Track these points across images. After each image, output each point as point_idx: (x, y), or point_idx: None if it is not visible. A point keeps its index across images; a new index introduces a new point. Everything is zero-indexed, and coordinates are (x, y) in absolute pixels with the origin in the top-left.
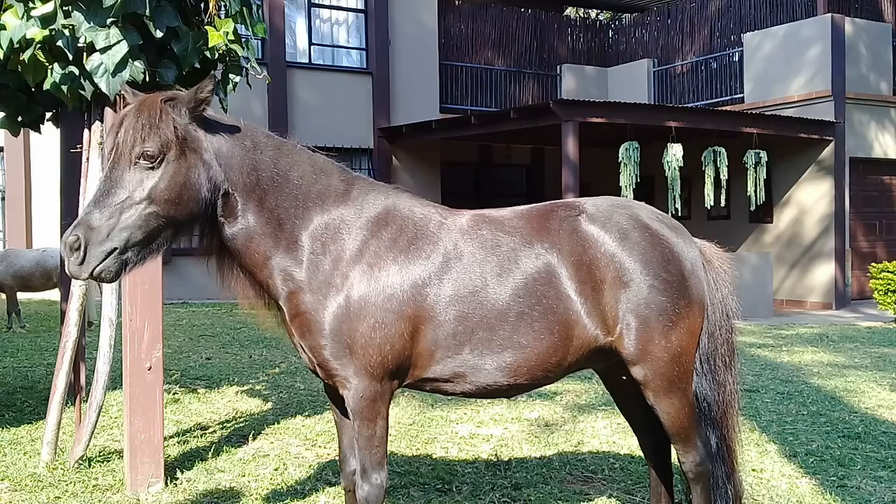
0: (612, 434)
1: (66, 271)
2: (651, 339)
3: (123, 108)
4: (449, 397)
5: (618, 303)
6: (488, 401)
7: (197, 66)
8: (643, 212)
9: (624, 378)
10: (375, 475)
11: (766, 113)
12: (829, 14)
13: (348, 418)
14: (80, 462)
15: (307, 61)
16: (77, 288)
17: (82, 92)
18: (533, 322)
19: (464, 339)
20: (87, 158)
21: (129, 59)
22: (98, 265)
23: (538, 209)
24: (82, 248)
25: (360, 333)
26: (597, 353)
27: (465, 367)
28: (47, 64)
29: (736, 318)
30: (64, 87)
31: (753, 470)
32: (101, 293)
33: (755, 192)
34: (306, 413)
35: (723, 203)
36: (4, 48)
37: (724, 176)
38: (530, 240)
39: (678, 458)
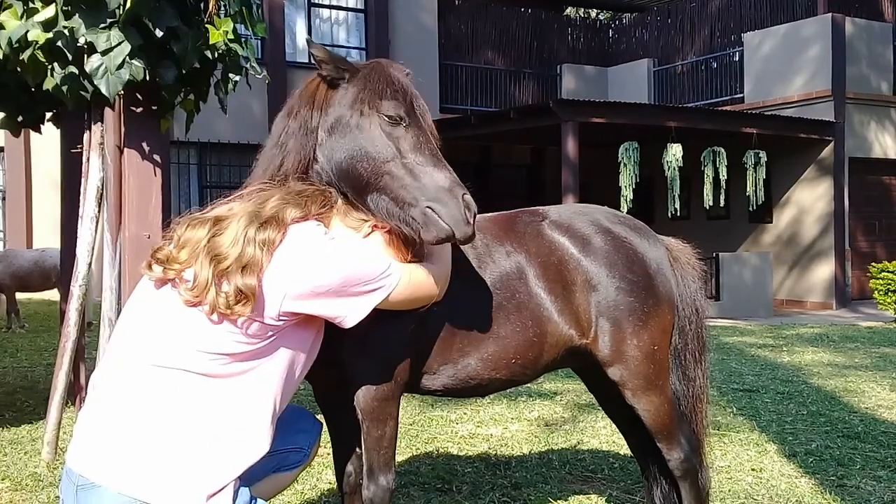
0: (612, 433)
1: (461, 235)
2: (624, 340)
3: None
4: (448, 397)
5: (589, 306)
6: (487, 400)
7: (197, 65)
8: (604, 216)
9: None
10: (383, 477)
11: (765, 113)
12: (830, 14)
13: (346, 424)
14: None
15: (307, 61)
16: (76, 288)
17: (83, 93)
18: (509, 314)
19: (455, 329)
20: (88, 159)
21: (129, 59)
22: None
23: (503, 215)
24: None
25: (378, 329)
26: (573, 353)
27: (453, 359)
28: (47, 64)
29: (706, 312)
30: (64, 88)
31: (753, 470)
32: (100, 293)
33: (755, 192)
34: None
35: (722, 203)
36: (4, 48)
37: (723, 176)
38: (500, 239)
39: (663, 455)
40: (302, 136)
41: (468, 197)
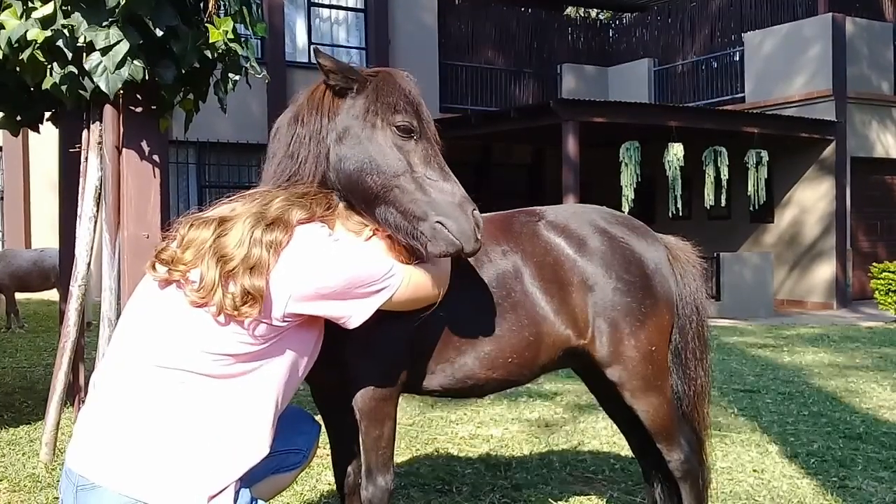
0: (612, 434)
1: (470, 250)
2: (621, 341)
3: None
4: (447, 398)
5: (586, 306)
6: (488, 401)
7: (196, 65)
8: (601, 216)
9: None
10: (381, 478)
11: (766, 112)
12: (830, 13)
13: (344, 425)
14: None
15: (307, 60)
16: (75, 288)
17: (82, 92)
18: (505, 313)
19: (453, 328)
20: (86, 158)
21: (129, 59)
22: None
23: (500, 215)
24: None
25: (380, 330)
26: (571, 354)
27: (450, 358)
28: (46, 64)
29: (707, 310)
30: (63, 87)
31: (755, 471)
32: (99, 293)
33: (756, 191)
34: None
35: (723, 203)
36: (3, 48)
37: (724, 175)
38: (496, 238)
39: (663, 456)
40: (314, 146)
41: (476, 212)
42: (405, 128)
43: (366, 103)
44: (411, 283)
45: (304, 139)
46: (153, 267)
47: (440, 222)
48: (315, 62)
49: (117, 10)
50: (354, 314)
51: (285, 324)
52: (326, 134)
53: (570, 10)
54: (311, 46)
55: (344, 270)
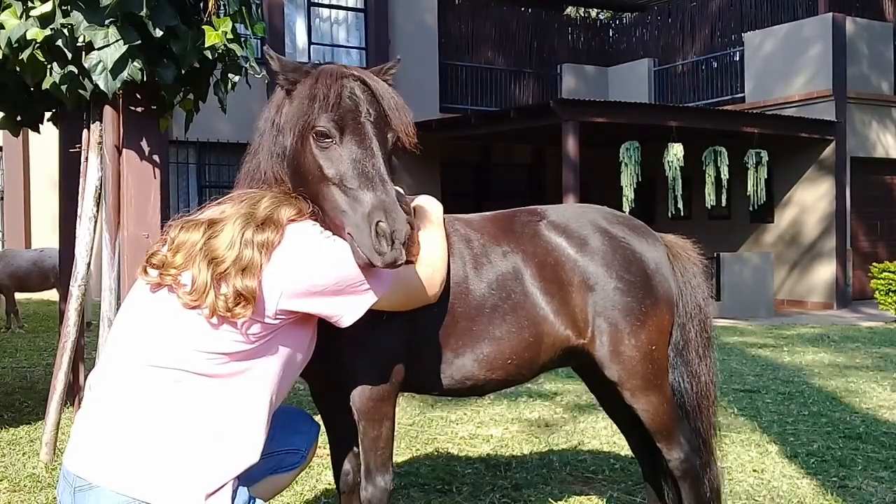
0: (612, 434)
1: (379, 264)
2: (621, 340)
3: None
4: (447, 398)
5: (586, 306)
6: (488, 401)
7: (196, 65)
8: (602, 216)
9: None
10: (380, 478)
11: (766, 112)
12: (830, 13)
13: (343, 424)
14: None
15: (306, 61)
16: (75, 288)
17: (82, 92)
18: (505, 315)
19: (450, 329)
20: (87, 158)
21: (128, 59)
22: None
23: (501, 214)
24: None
25: (374, 330)
26: (571, 353)
27: (448, 359)
28: (46, 63)
29: (710, 307)
30: (63, 87)
31: (755, 471)
32: (99, 293)
33: (756, 191)
34: None
35: (723, 203)
36: (3, 48)
37: (724, 175)
38: (497, 239)
39: (663, 455)
40: (270, 143)
41: (383, 225)
42: (321, 133)
43: (292, 106)
44: (403, 282)
45: (268, 139)
46: (144, 271)
47: (350, 234)
48: (315, 63)
49: (109, 9)
50: (346, 313)
51: (278, 321)
52: (278, 133)
53: (570, 10)
54: (311, 46)
55: (335, 268)
